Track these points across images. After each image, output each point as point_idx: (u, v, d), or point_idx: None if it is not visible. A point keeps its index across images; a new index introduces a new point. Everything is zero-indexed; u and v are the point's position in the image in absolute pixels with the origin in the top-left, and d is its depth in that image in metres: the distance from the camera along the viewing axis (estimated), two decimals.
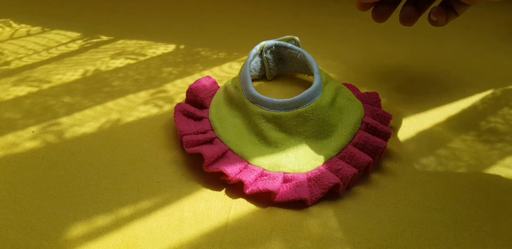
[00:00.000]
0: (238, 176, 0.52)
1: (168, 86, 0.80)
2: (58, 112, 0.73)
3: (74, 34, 1.05)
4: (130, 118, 0.72)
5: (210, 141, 0.58)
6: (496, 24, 1.00)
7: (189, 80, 0.81)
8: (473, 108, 0.72)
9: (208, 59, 0.89)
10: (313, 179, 0.51)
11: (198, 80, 0.68)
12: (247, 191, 0.52)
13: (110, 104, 0.75)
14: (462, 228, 0.51)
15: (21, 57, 0.91)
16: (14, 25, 1.03)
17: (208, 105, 0.65)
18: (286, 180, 0.52)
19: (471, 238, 0.50)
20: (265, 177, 0.52)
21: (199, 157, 0.60)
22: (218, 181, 0.57)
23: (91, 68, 0.87)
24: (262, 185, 0.50)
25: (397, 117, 0.69)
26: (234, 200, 0.55)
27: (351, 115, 0.58)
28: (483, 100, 0.74)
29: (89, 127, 0.69)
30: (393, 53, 0.89)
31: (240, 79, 0.62)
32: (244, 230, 0.51)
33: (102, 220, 0.53)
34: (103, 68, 0.87)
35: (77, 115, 0.72)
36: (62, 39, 1.04)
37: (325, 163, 0.54)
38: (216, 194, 0.56)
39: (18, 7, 1.08)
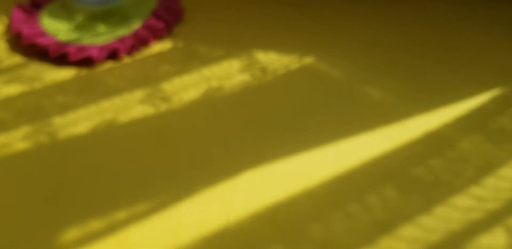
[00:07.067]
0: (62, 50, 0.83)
1: (165, 85, 0.80)
2: (51, 112, 0.73)
3: None
4: (126, 118, 0.71)
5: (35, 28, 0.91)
6: (506, 20, 0.99)
7: (187, 78, 0.81)
8: (481, 108, 0.70)
9: (207, 57, 0.88)
10: (104, 47, 0.86)
11: None
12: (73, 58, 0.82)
13: (105, 103, 0.75)
14: None
15: (13, 56, 0.91)
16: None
17: (44, 6, 0.96)
18: (84, 49, 0.85)
19: None
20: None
21: (195, 159, 0.59)
22: (213, 181, 0.57)
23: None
24: (82, 53, 0.83)
25: (404, 117, 0.69)
26: (234, 203, 0.54)
27: (145, 9, 0.94)
28: (491, 99, 0.72)
29: (83, 127, 0.69)
30: (398, 51, 0.88)
31: None
32: (244, 235, 0.50)
33: (96, 224, 0.52)
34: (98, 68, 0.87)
35: (71, 115, 0.72)
36: None
37: (119, 39, 0.88)
38: (215, 197, 0.55)
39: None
